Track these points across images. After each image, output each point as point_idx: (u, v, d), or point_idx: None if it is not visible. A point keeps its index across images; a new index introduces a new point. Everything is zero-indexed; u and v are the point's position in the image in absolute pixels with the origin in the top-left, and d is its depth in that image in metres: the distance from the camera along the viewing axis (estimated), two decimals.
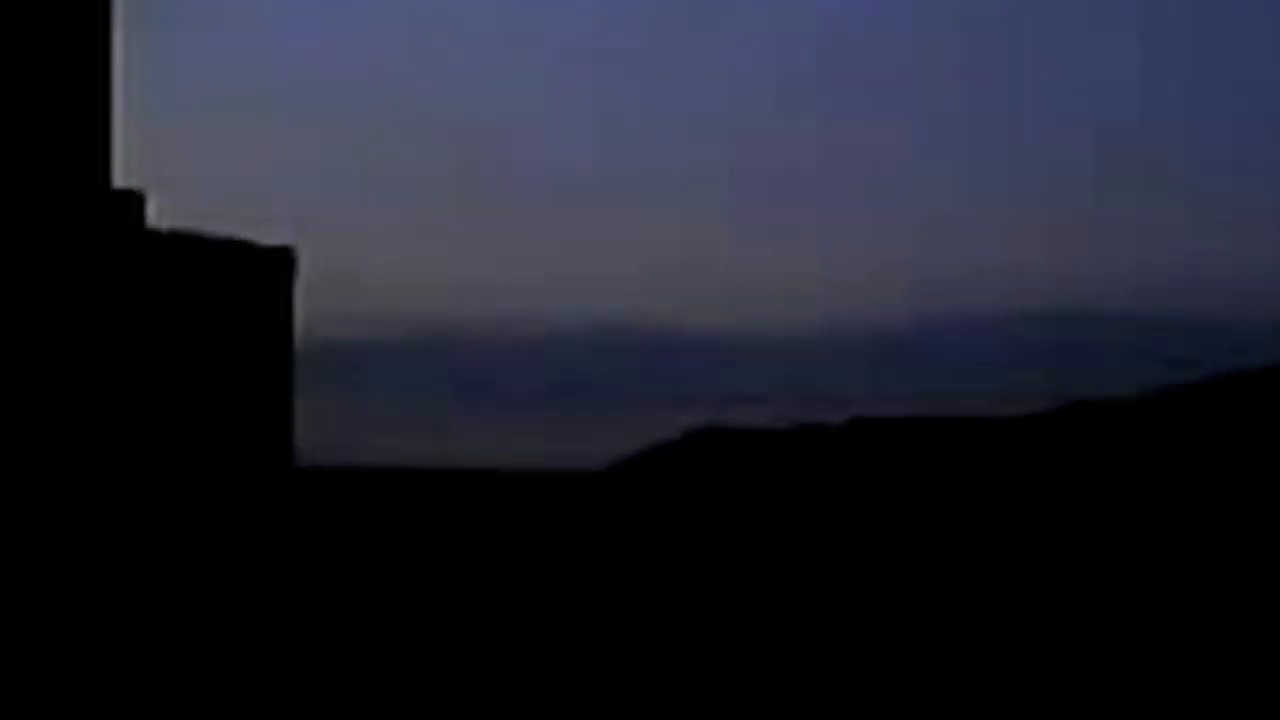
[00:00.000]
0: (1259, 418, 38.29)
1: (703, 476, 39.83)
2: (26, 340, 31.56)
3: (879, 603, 28.75)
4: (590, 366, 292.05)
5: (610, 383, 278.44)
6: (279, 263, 34.98)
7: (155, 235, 33.75)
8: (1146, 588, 29.13)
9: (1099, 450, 38.35)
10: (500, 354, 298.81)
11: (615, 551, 33.41)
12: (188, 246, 33.84)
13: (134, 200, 33.86)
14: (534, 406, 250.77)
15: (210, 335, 33.97)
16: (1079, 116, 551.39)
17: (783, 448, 40.68)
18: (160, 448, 32.98)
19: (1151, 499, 35.07)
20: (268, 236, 35.31)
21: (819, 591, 29.78)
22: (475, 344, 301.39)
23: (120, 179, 34.59)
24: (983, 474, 37.76)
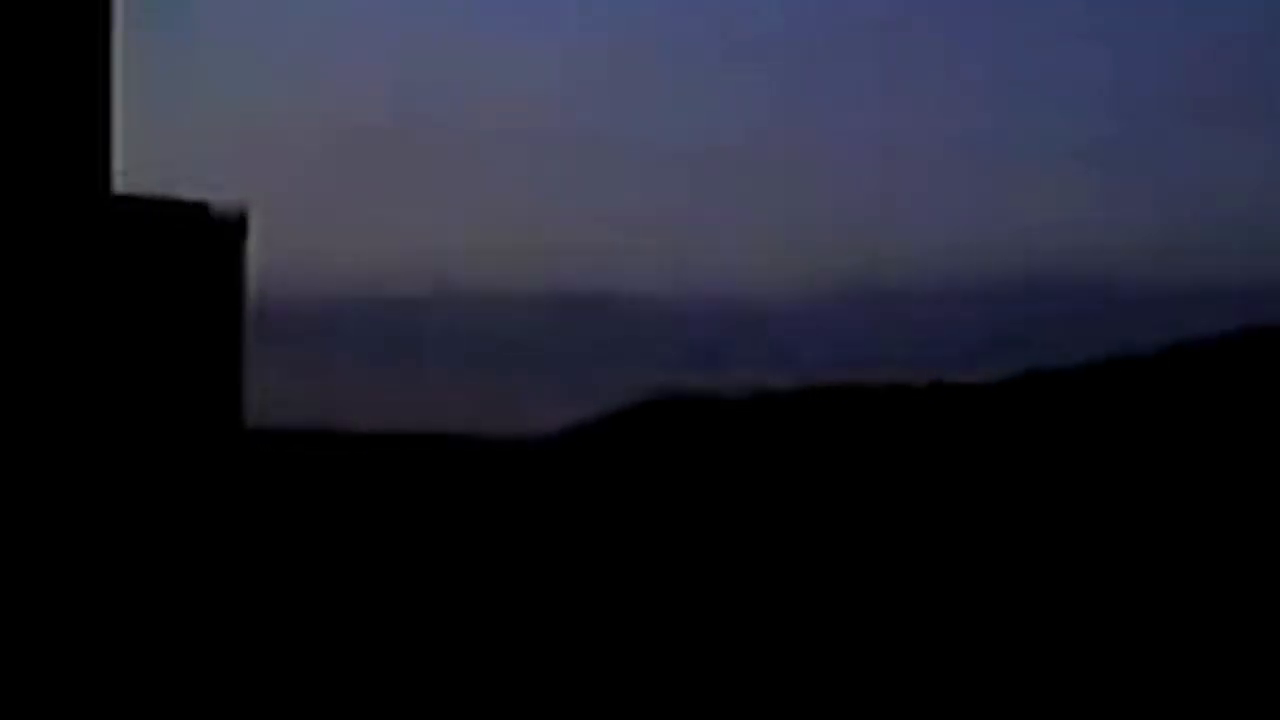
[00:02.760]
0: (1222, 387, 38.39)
1: (658, 442, 39.81)
2: None
3: (836, 567, 28.78)
4: (543, 331, 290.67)
5: (564, 347, 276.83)
6: (230, 225, 34.86)
7: (107, 198, 33.64)
8: (1104, 547, 29.21)
9: (1054, 417, 38.41)
10: (450, 316, 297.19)
11: (570, 517, 33.39)
12: (138, 208, 33.74)
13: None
14: (489, 371, 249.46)
15: (160, 296, 33.89)
16: None
17: (738, 414, 40.68)
18: (110, 408, 32.91)
19: (1103, 465, 35.15)
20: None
21: (774, 554, 29.79)
22: (422, 305, 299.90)
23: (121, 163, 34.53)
24: (937, 438, 37.79)
